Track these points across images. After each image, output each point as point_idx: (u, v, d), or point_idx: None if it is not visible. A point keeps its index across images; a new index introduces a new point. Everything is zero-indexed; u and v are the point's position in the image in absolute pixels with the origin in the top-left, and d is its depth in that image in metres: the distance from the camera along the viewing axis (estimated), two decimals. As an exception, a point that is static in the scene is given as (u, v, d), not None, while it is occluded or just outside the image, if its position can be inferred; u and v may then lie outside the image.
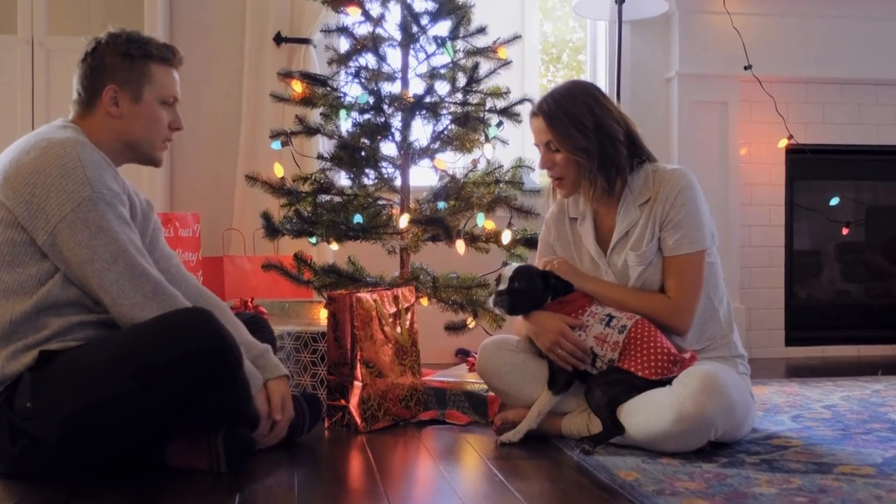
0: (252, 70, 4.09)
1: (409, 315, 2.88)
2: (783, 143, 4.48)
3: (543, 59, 5.05)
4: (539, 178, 3.39)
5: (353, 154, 3.02)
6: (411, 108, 3.06)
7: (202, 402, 2.04)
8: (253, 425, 2.21)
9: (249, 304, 3.17)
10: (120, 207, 2.12)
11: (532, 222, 3.23)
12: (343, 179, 3.33)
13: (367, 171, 3.09)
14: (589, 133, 2.43)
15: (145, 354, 1.99)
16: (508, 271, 2.44)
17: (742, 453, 2.31)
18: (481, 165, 3.31)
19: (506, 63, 3.16)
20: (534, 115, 2.51)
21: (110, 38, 2.25)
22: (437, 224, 2.96)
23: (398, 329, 2.81)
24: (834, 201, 4.52)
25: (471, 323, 3.32)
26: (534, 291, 2.44)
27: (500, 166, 3.27)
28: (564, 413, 2.51)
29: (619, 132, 2.47)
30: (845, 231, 4.65)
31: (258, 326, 2.53)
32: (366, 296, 2.70)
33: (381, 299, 2.76)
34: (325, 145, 3.80)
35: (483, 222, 3.23)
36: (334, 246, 3.31)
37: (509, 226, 3.22)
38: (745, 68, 4.34)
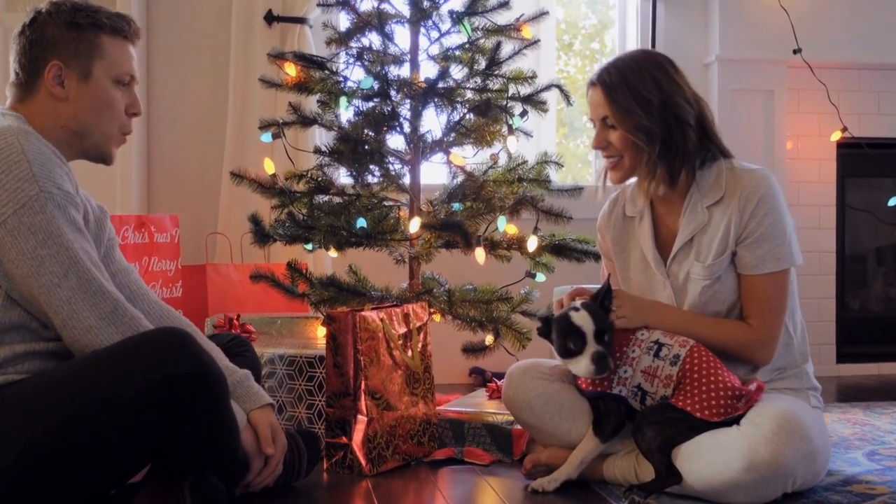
0: (240, 53, 3.88)
1: (421, 336, 2.62)
2: (836, 135, 4.21)
3: (555, 45, 4.79)
4: (569, 174, 3.11)
5: (355, 148, 2.75)
6: (423, 94, 2.79)
7: (180, 442, 1.82)
8: (242, 468, 2.02)
9: (235, 321, 2.90)
10: (73, 211, 1.88)
11: (562, 226, 2.96)
12: (343, 177, 3.07)
13: (371, 167, 2.82)
14: (653, 111, 2.21)
15: (110, 385, 1.76)
16: (585, 322, 2.11)
17: (821, 504, 2.06)
18: (502, 161, 3.04)
19: (532, 43, 2.90)
20: (592, 84, 2.29)
21: (52, 6, 2.01)
22: (453, 229, 2.69)
23: (409, 352, 2.55)
24: (893, 201, 4.24)
25: (490, 342, 3.04)
26: (611, 333, 2.17)
27: (524, 162, 3.00)
28: (608, 454, 2.26)
29: (689, 115, 2.24)
30: (897, 235, 4.41)
31: (239, 350, 2.33)
32: (371, 314, 2.43)
33: (389, 318, 2.49)
34: (322, 137, 3.53)
35: (505, 227, 2.95)
36: (333, 253, 3.05)
37: (535, 230, 2.94)
38: (794, 52, 4.08)
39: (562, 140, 4.72)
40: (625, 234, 2.42)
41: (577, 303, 2.16)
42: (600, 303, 2.16)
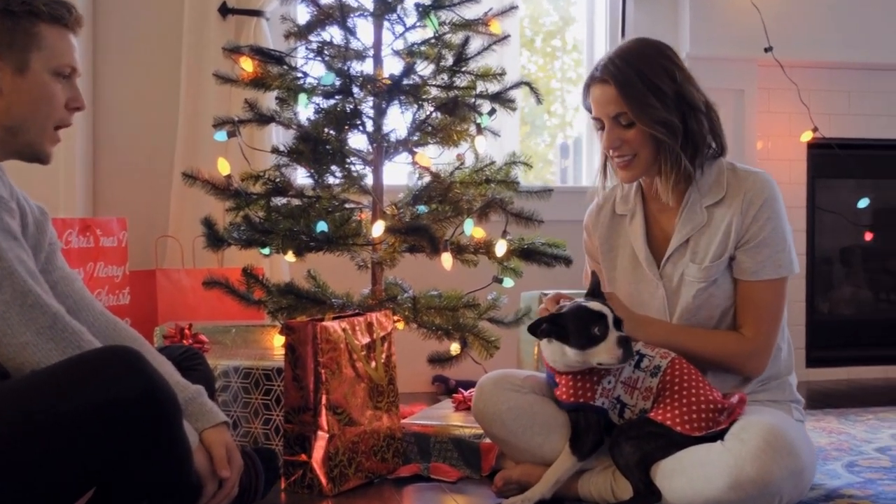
0: (193, 46, 3.76)
1: (385, 346, 2.52)
2: (807, 136, 4.20)
3: (518, 43, 4.74)
4: (531, 174, 3.03)
5: (315, 147, 2.65)
6: (387, 91, 2.69)
7: (128, 467, 1.71)
8: (195, 493, 1.90)
9: (187, 330, 2.78)
10: (6, 217, 1.77)
11: (533, 230, 2.88)
12: (302, 178, 2.96)
13: (332, 167, 2.72)
14: (669, 102, 2.15)
15: (52, 409, 1.64)
16: (603, 308, 2.04)
17: (806, 523, 2.01)
18: (468, 161, 2.96)
19: (502, 38, 2.81)
20: (599, 81, 2.19)
21: None
22: (419, 233, 2.60)
23: (372, 364, 2.46)
24: (863, 202, 4.24)
25: (456, 351, 2.96)
26: None
27: (492, 162, 2.92)
28: (583, 471, 2.18)
29: (700, 103, 2.19)
30: (868, 236, 4.40)
31: (192, 364, 2.22)
32: (333, 324, 2.34)
33: (351, 328, 2.40)
34: (280, 136, 3.42)
35: (472, 230, 2.87)
36: (291, 258, 2.95)
37: (504, 234, 2.86)
38: (766, 50, 4.05)
39: (524, 139, 4.67)
40: (613, 232, 2.36)
41: (564, 302, 2.10)
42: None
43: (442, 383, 3.85)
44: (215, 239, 2.87)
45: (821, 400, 3.69)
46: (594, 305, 2.04)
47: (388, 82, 2.72)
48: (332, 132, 2.73)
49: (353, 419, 2.36)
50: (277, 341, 2.97)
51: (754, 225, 2.16)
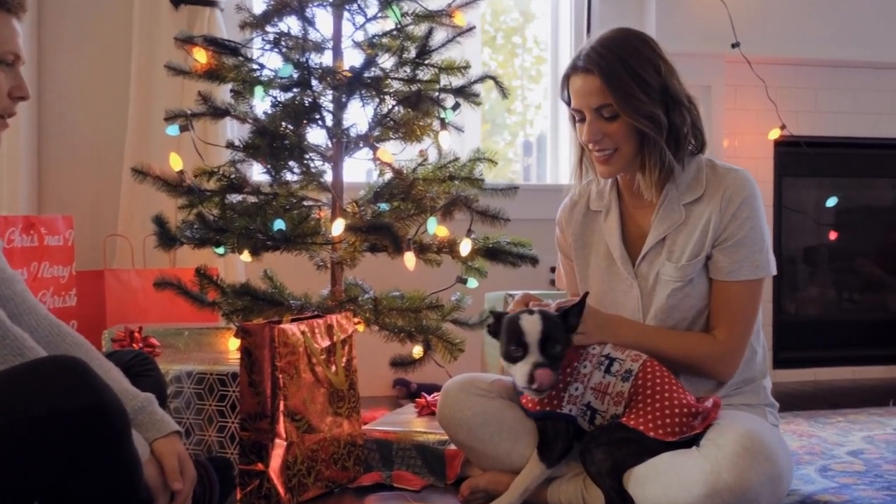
0: (143, 36, 3.67)
1: (345, 349, 2.46)
2: (775, 133, 4.19)
3: (480, 38, 4.69)
4: (492, 172, 2.98)
5: (272, 142, 2.56)
6: (348, 84, 2.61)
7: (73, 482, 1.64)
8: None
9: (137, 334, 2.69)
10: None
11: (498, 229, 2.83)
12: (258, 174, 2.87)
13: (290, 163, 2.64)
14: (654, 95, 2.09)
15: None
16: (533, 328, 1.97)
17: (782, 531, 1.97)
18: (431, 158, 2.90)
19: (467, 30, 2.75)
20: (583, 71, 2.12)
21: None
22: (381, 231, 2.53)
23: (332, 368, 2.38)
24: (831, 201, 4.25)
25: (418, 354, 2.89)
26: (564, 352, 2.02)
27: (456, 159, 2.86)
28: (553, 478, 2.15)
29: (683, 96, 2.15)
30: (833, 235, 4.41)
31: (142, 369, 2.15)
32: (291, 327, 2.26)
33: (310, 331, 2.32)
34: (235, 131, 3.34)
35: (435, 229, 2.81)
36: (246, 258, 2.86)
37: (469, 233, 2.80)
38: (733, 46, 4.03)
39: (485, 137, 4.62)
40: (587, 229, 2.31)
41: (534, 306, 2.04)
42: (563, 315, 2.02)
43: (403, 387, 3.79)
44: (167, 238, 2.78)
45: (788, 402, 3.68)
46: (527, 322, 1.97)
47: (349, 75, 2.65)
48: (289, 126, 2.65)
49: (312, 426, 2.28)
50: (232, 344, 2.89)
51: (733, 223, 2.12)
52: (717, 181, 2.15)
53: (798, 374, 4.37)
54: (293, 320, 2.34)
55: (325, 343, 2.38)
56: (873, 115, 4.43)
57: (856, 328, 4.58)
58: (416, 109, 2.68)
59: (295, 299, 2.69)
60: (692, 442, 1.95)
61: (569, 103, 2.20)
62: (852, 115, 4.41)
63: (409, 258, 2.65)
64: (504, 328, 2.01)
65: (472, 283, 2.98)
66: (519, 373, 1.97)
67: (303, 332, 2.29)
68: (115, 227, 3.64)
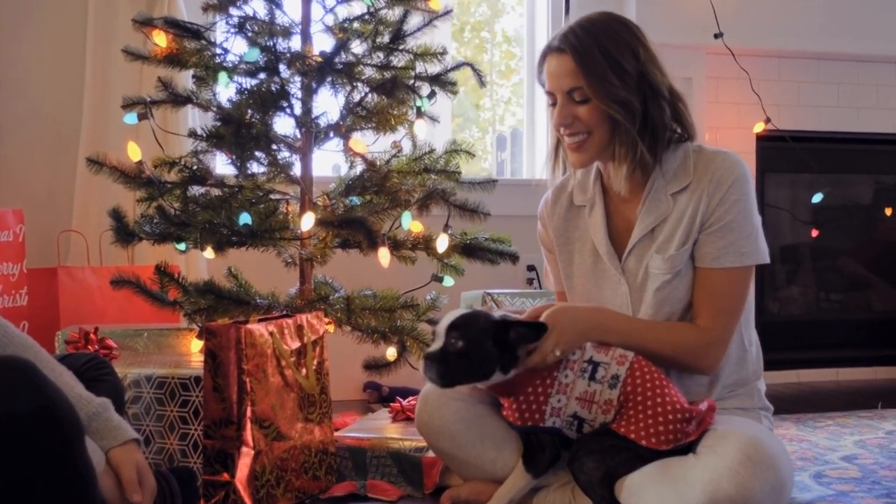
0: (99, 19, 3.57)
1: (316, 351, 2.36)
2: (759, 127, 4.14)
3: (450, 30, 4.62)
4: (466, 169, 2.91)
5: (238, 131, 2.46)
6: (318, 70, 2.51)
7: (22, 494, 1.57)
8: None
9: (93, 335, 2.58)
10: None
11: (477, 224, 2.75)
12: (222, 165, 2.77)
13: (257, 154, 2.53)
14: (630, 82, 2.01)
15: None
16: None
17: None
18: (405, 149, 2.82)
19: (444, 13, 2.67)
20: (556, 51, 2.05)
21: None
22: (355, 226, 2.44)
23: (303, 371, 2.29)
24: (817, 198, 4.20)
25: (392, 356, 2.81)
26: (480, 352, 1.93)
27: (432, 150, 2.77)
28: (539, 487, 2.06)
29: (664, 88, 2.06)
30: (815, 233, 4.38)
31: (98, 373, 2.08)
32: (259, 327, 2.17)
33: (279, 331, 2.22)
34: (197, 119, 3.23)
35: (409, 224, 2.73)
36: (209, 254, 2.76)
37: (446, 228, 2.72)
38: (716, 37, 3.97)
39: (456, 131, 4.55)
40: (570, 224, 2.23)
41: (499, 313, 1.99)
42: (506, 324, 1.94)
43: (374, 390, 3.69)
44: (125, 233, 2.68)
45: (775, 405, 3.63)
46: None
47: (320, 59, 2.55)
48: (256, 115, 2.55)
49: (281, 433, 2.19)
50: (195, 346, 2.80)
51: (720, 207, 2.04)
52: (705, 165, 2.07)
53: (781, 376, 4.33)
54: (260, 320, 2.24)
55: (295, 345, 2.29)
56: (856, 108, 4.40)
57: (840, 328, 4.56)
58: (390, 97, 2.59)
59: (262, 298, 2.60)
60: (687, 449, 1.88)
61: (544, 86, 2.13)
62: (835, 108, 4.38)
63: (384, 254, 2.57)
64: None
65: (449, 281, 2.91)
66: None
67: (271, 333, 2.20)
68: (70, 221, 3.54)
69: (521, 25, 4.42)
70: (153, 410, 2.35)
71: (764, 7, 4.11)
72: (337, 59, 2.57)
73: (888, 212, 4.66)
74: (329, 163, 3.00)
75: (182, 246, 2.74)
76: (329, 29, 2.69)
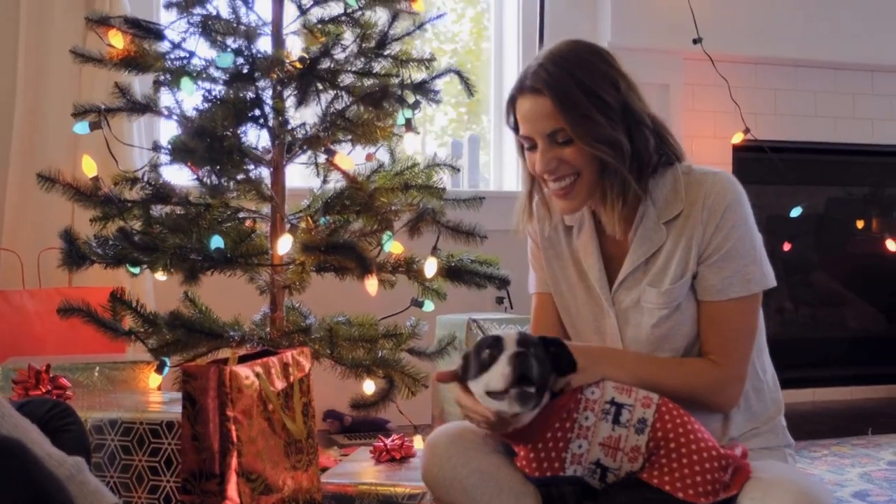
0: (33, 15, 3.40)
1: (301, 389, 2.21)
2: (738, 137, 4.13)
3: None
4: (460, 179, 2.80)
5: (211, 145, 2.29)
6: (300, 77, 2.37)
7: None
8: None
9: (44, 374, 2.37)
10: None
11: (467, 246, 2.64)
12: (187, 181, 2.60)
13: (230, 169, 2.37)
14: (615, 116, 1.89)
15: None
16: (509, 334, 1.82)
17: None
18: (377, 163, 2.71)
19: (438, 17, 2.55)
20: (531, 91, 1.92)
21: None
22: (345, 252, 2.29)
23: (290, 414, 2.14)
24: (796, 212, 4.19)
25: (369, 391, 2.68)
26: (546, 376, 1.83)
27: (415, 164, 2.65)
28: (560, 545, 1.94)
29: (645, 116, 1.95)
30: (787, 247, 4.38)
31: (63, 423, 1.94)
32: (244, 369, 2.01)
33: (266, 372, 2.07)
34: (142, 129, 3.06)
35: (391, 246, 2.61)
36: (161, 276, 2.60)
37: (434, 250, 2.60)
38: (694, 42, 3.95)
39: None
40: (559, 246, 2.13)
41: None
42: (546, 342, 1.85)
43: (336, 420, 3.58)
44: (76, 256, 2.48)
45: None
46: (503, 332, 1.84)
47: (299, 66, 2.40)
48: (229, 127, 2.38)
49: (269, 485, 2.03)
50: (153, 381, 2.64)
51: (718, 234, 1.95)
52: (696, 190, 1.99)
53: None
54: (242, 358, 2.09)
55: (281, 385, 2.13)
56: (832, 118, 4.43)
57: (816, 347, 4.57)
58: (378, 108, 2.44)
59: (235, 330, 2.43)
60: (727, 502, 1.79)
61: (516, 130, 2.01)
62: (812, 118, 4.41)
63: (372, 283, 2.43)
64: (472, 350, 1.85)
65: (429, 306, 2.81)
66: (496, 374, 1.77)
67: (258, 375, 2.04)
68: (0, 240, 3.34)
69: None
70: (118, 460, 2.18)
71: (742, 12, 4.10)
72: (321, 65, 2.42)
73: (860, 224, 4.69)
74: (298, 178, 2.86)
75: (136, 269, 2.57)
76: (309, 31, 2.55)
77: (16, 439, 1.53)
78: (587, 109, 1.87)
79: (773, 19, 4.13)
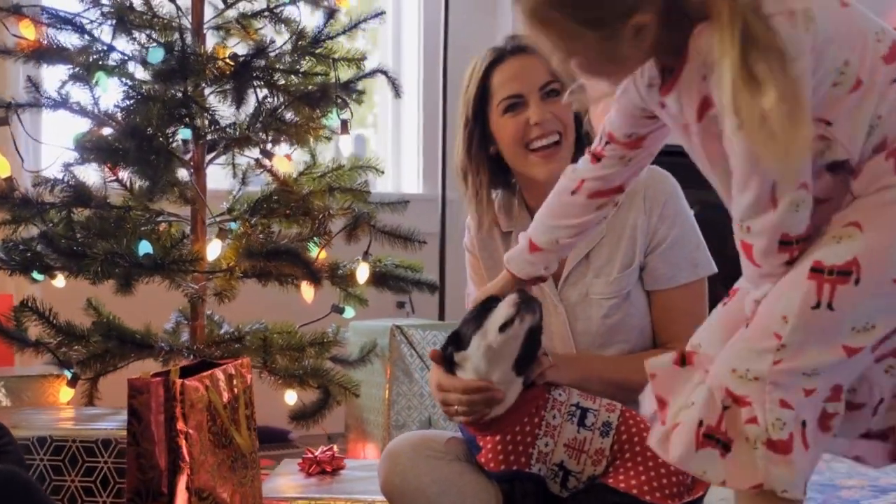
0: None
1: (245, 401, 2.19)
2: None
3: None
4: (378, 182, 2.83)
5: (141, 145, 2.24)
6: (237, 75, 2.34)
7: None
8: None
9: (-44, 391, 2.28)
10: None
11: (399, 251, 2.67)
12: (102, 182, 2.52)
13: (161, 171, 2.32)
14: None
15: None
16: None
17: None
18: (299, 163, 2.70)
19: (376, 15, 2.55)
20: (517, 51, 2.05)
21: None
22: (287, 257, 2.28)
23: (237, 427, 2.11)
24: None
25: (292, 402, 2.68)
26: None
27: (340, 166, 2.66)
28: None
29: None
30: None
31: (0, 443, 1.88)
32: (194, 382, 1.97)
33: (213, 384, 2.04)
34: (50, 126, 2.96)
35: (316, 250, 2.61)
36: (60, 282, 2.53)
37: (366, 255, 2.61)
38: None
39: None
40: (496, 251, 2.18)
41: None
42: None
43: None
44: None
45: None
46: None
47: (232, 64, 2.37)
48: (158, 126, 2.33)
49: (219, 503, 2.01)
50: (64, 395, 2.55)
51: (662, 225, 2.07)
52: (634, 182, 2.10)
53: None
54: (184, 370, 2.04)
55: (227, 397, 2.11)
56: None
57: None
58: (315, 108, 2.44)
59: (163, 342, 2.38)
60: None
61: (482, 99, 2.10)
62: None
63: (308, 289, 2.42)
64: (468, 316, 1.92)
65: (350, 312, 2.81)
66: (502, 308, 1.85)
67: (206, 387, 2.01)
68: None
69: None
70: (48, 481, 2.12)
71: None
72: (255, 62, 2.40)
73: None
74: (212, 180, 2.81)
75: (40, 276, 2.50)
76: (242, 27, 2.51)
77: (19, 471, 1.53)
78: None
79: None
